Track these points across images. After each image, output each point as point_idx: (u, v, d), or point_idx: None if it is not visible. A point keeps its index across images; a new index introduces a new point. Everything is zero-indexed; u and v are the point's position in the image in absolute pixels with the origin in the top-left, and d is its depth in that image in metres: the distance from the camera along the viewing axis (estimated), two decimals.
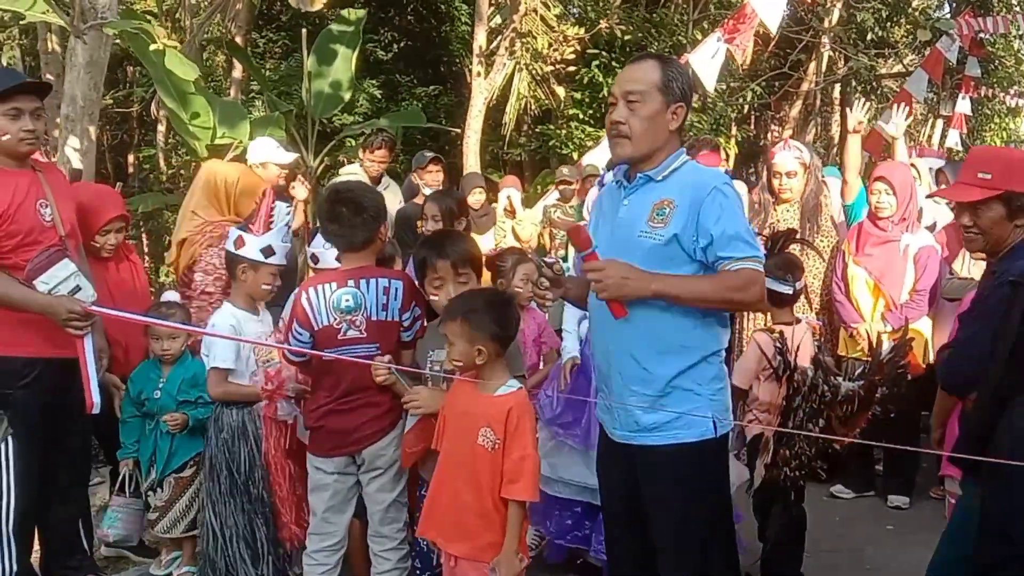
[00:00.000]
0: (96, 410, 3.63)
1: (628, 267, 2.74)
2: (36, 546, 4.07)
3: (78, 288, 3.56)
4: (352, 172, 6.89)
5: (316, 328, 3.38)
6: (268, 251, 3.76)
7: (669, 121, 2.89)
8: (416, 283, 3.53)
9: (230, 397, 3.76)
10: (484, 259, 3.83)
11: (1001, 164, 3.09)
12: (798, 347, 3.81)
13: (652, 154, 2.89)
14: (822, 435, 3.62)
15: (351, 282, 3.38)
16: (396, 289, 3.42)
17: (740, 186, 7.98)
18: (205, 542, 3.85)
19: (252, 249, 3.75)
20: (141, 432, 4.13)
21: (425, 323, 3.52)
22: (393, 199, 6.95)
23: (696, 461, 2.85)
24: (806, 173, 5.47)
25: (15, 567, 3.75)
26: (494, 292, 3.41)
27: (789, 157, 5.46)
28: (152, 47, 5.98)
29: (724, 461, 3.02)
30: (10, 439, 3.64)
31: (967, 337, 3.04)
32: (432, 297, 3.48)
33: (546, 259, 3.17)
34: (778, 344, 3.70)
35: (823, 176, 5.86)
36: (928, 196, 5.72)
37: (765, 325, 4.04)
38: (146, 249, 13.54)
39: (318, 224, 3.62)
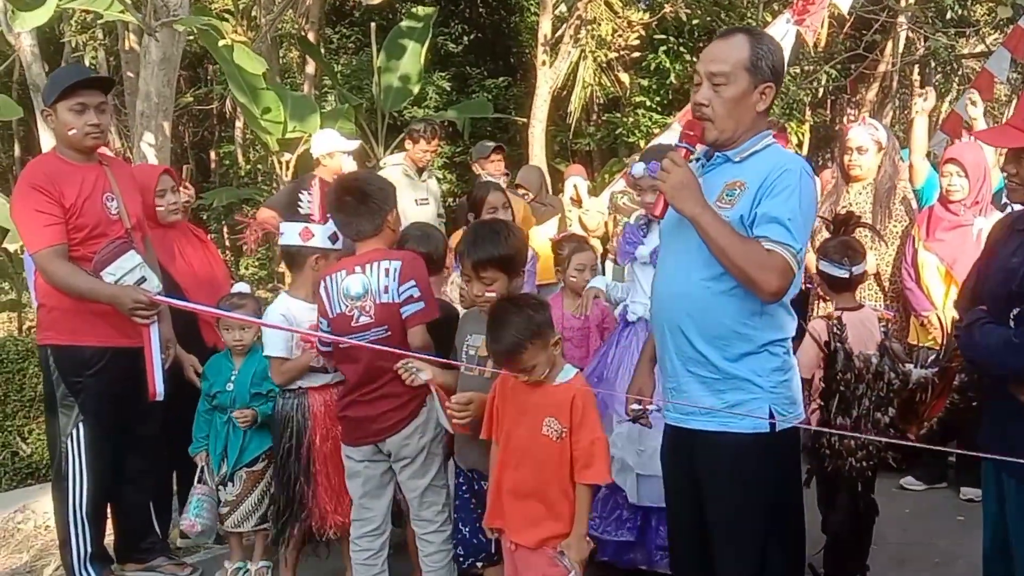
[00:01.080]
0: (160, 398, 3.76)
1: (693, 180, 2.64)
2: (110, 529, 4.23)
3: (143, 279, 3.69)
4: (396, 163, 6.93)
5: (331, 316, 3.43)
6: (334, 237, 3.81)
7: (756, 102, 2.73)
8: (421, 261, 3.50)
9: (291, 376, 3.79)
10: (551, 244, 3.76)
11: None
12: (869, 333, 3.71)
13: (736, 136, 2.75)
14: (860, 435, 3.47)
15: (358, 268, 3.42)
16: (394, 269, 3.40)
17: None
18: None
19: (321, 238, 3.79)
20: (211, 426, 4.17)
21: (426, 304, 3.45)
22: (434, 191, 7.08)
23: (747, 454, 2.71)
24: (879, 153, 5.28)
25: (90, 549, 3.93)
26: (528, 299, 3.22)
27: (863, 132, 5.29)
28: (221, 43, 6.11)
29: (784, 457, 2.83)
30: (81, 425, 3.80)
31: None
32: (462, 287, 3.49)
33: (634, 410, 3.19)
34: (836, 330, 3.60)
35: (900, 159, 5.66)
36: (968, 132, 5.50)
37: (822, 314, 3.95)
38: (226, 243, 13.89)
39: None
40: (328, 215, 3.65)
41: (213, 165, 18.09)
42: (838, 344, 3.51)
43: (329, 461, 3.77)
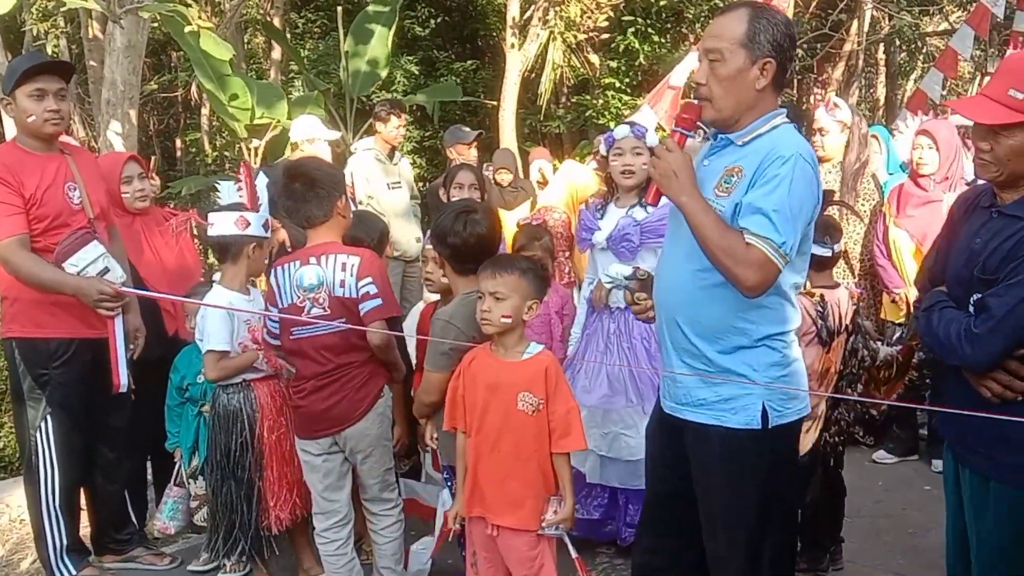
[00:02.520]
0: (124, 390, 3.73)
1: (684, 167, 2.56)
2: (86, 521, 4.19)
3: (107, 270, 3.63)
4: (368, 147, 6.88)
5: (282, 307, 3.40)
6: (267, 225, 3.78)
7: (755, 79, 2.57)
8: (379, 259, 3.50)
9: (230, 373, 3.72)
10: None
11: None
12: (846, 311, 3.74)
13: (739, 116, 2.62)
14: (875, 399, 3.47)
15: (312, 259, 3.38)
16: (352, 265, 3.37)
17: None
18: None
19: (256, 226, 3.72)
20: (183, 419, 4.13)
21: (384, 301, 3.42)
22: (406, 174, 7.01)
23: (738, 449, 2.64)
24: (843, 132, 5.28)
25: (65, 541, 3.90)
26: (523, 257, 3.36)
27: (824, 114, 5.31)
28: (187, 29, 6.03)
29: (780, 452, 2.72)
30: (49, 418, 3.75)
31: (1010, 305, 2.43)
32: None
33: (627, 275, 3.09)
34: (819, 308, 3.62)
35: (869, 135, 5.64)
36: (941, 104, 5.51)
37: (804, 289, 3.96)
38: (195, 231, 13.75)
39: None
40: (278, 203, 3.57)
41: (179, 153, 17.93)
42: (821, 322, 3.54)
43: (275, 453, 3.75)
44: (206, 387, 4.01)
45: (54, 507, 3.85)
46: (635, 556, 3.09)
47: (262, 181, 3.83)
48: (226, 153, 14.61)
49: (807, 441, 3.53)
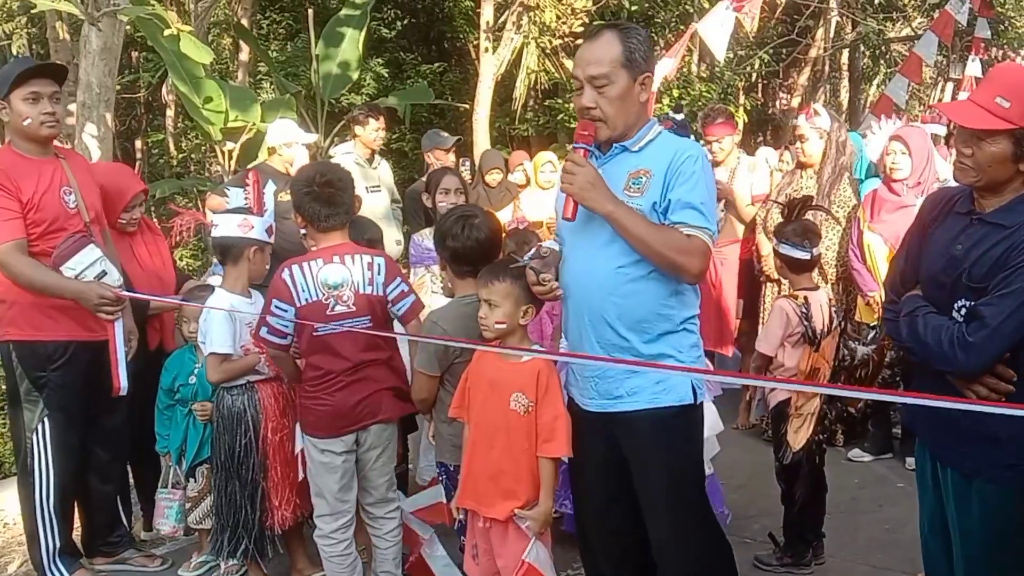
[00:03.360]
0: (124, 392, 3.75)
1: (599, 179, 2.74)
2: (77, 523, 4.19)
3: (104, 273, 3.65)
4: (347, 152, 6.90)
5: (300, 304, 3.43)
6: (271, 230, 3.83)
7: (639, 94, 2.83)
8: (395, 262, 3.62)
9: (231, 376, 3.76)
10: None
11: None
12: (832, 312, 3.85)
13: (628, 129, 2.85)
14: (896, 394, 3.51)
15: (336, 258, 3.47)
16: (379, 264, 3.52)
17: (767, 151, 7.98)
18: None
19: (259, 230, 3.78)
20: (172, 421, 4.13)
21: (416, 297, 3.61)
22: (386, 178, 7.03)
23: (676, 426, 2.86)
24: (822, 139, 5.42)
25: (58, 543, 3.89)
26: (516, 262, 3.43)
27: (804, 121, 5.47)
28: (167, 32, 6.01)
29: (701, 428, 3.03)
30: (47, 420, 3.76)
31: (1005, 314, 2.45)
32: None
33: (528, 254, 3.09)
34: (803, 309, 3.74)
35: (844, 138, 5.75)
36: (931, 106, 5.66)
37: (787, 292, 4.07)
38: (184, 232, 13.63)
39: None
40: (308, 209, 3.55)
41: (140, 155, 17.73)
42: (806, 323, 3.64)
43: (278, 454, 3.79)
44: (197, 388, 4.03)
45: (48, 509, 3.85)
46: (584, 566, 3.26)
47: (270, 188, 3.85)
48: (192, 156, 14.51)
49: (800, 438, 3.64)
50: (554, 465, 3.11)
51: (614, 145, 2.88)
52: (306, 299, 3.44)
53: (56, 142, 4.04)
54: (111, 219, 4.18)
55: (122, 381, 3.72)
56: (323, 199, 3.48)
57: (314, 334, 3.45)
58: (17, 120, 3.67)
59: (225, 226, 3.79)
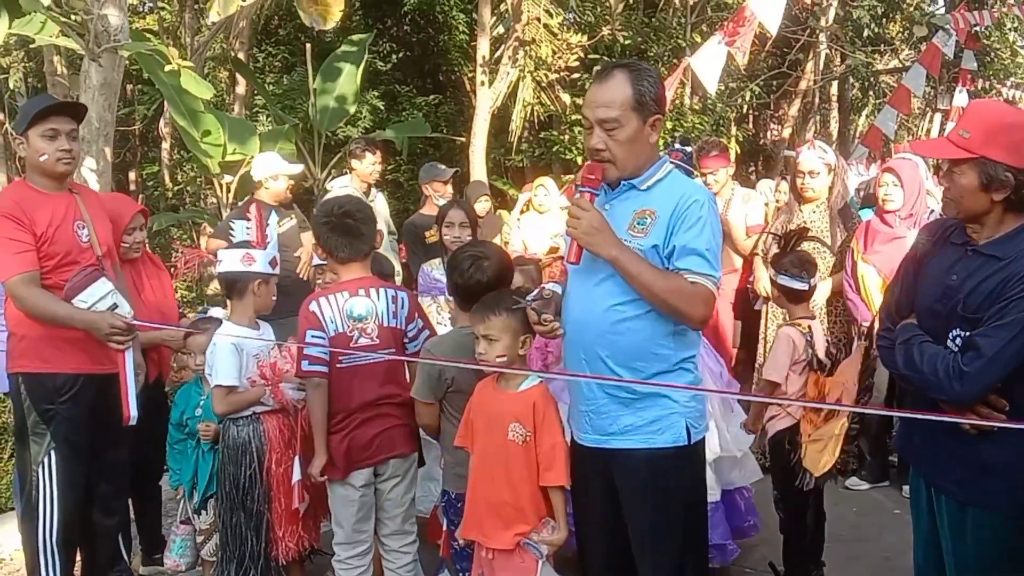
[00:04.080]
0: (134, 422, 3.77)
1: (604, 223, 2.74)
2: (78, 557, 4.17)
3: (115, 306, 3.69)
4: (344, 185, 6.97)
5: (329, 335, 3.51)
6: (274, 262, 3.90)
7: (649, 135, 2.83)
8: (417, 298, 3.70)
9: (237, 407, 3.79)
10: None
11: (984, 125, 2.63)
12: (842, 342, 3.91)
13: (637, 170, 2.85)
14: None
15: (362, 291, 3.55)
16: (403, 299, 3.64)
17: (767, 183, 8.07)
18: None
19: (262, 263, 3.85)
20: (183, 455, 4.17)
21: (431, 331, 3.73)
22: (382, 210, 7.10)
23: (669, 467, 2.83)
24: (831, 174, 5.47)
25: None
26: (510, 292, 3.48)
27: (813, 156, 5.48)
28: (167, 68, 6.09)
29: (698, 468, 2.99)
30: (53, 452, 3.77)
31: (1000, 345, 2.50)
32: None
33: (531, 295, 3.12)
34: (808, 337, 3.81)
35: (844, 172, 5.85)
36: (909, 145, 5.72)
37: (788, 321, 4.13)
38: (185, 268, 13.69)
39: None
40: (328, 239, 3.63)
41: (134, 187, 17.79)
42: (811, 350, 3.70)
43: (282, 485, 3.82)
44: (204, 419, 4.05)
45: (51, 544, 3.83)
46: None
47: (273, 220, 3.91)
48: (188, 188, 14.58)
49: (824, 462, 3.65)
50: (562, 493, 3.15)
51: (622, 183, 2.88)
52: (333, 330, 3.51)
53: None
54: (115, 244, 4.21)
55: (132, 411, 3.74)
56: (341, 230, 3.56)
57: (338, 366, 3.51)
58: (34, 156, 3.72)
59: (229, 261, 3.86)
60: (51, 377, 3.74)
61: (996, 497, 2.62)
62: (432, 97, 15.24)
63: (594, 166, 2.84)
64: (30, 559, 3.90)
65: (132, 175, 18.03)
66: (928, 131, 16.04)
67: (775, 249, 4.22)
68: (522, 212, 7.46)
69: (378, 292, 3.58)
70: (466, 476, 3.31)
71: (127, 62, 7.80)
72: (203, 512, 4.10)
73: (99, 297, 3.64)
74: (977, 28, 11.91)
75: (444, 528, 3.60)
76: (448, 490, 3.56)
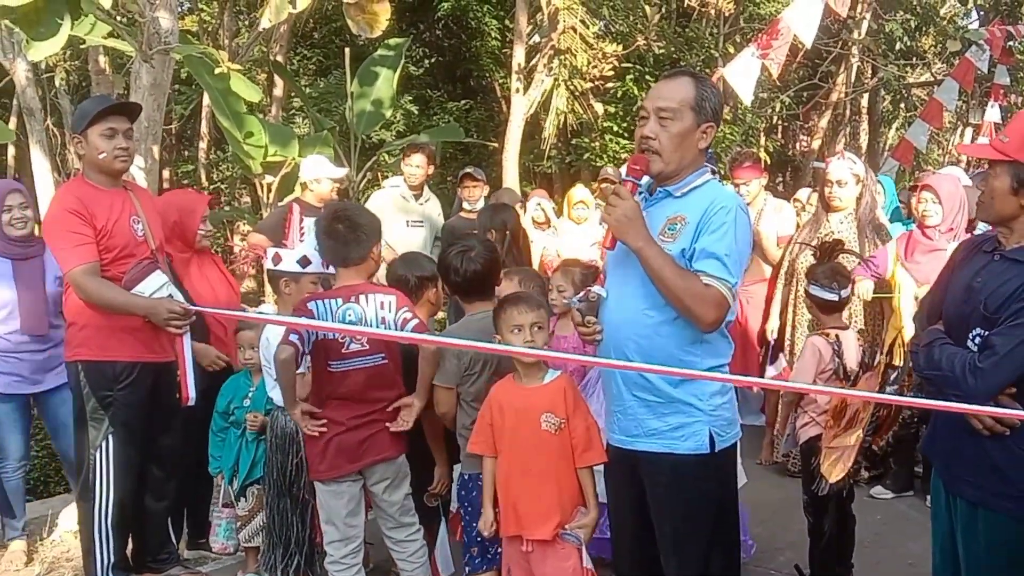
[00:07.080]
0: (192, 403, 3.91)
1: (637, 213, 2.80)
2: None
3: (170, 297, 3.84)
4: (395, 184, 7.11)
5: (319, 338, 3.60)
6: (304, 261, 3.96)
7: (698, 140, 2.89)
8: (406, 297, 3.77)
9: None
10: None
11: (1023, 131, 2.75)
12: (863, 350, 3.98)
13: (679, 171, 2.90)
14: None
15: (353, 298, 3.63)
16: (389, 303, 3.66)
17: (805, 193, 8.12)
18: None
19: (289, 262, 3.95)
20: (225, 443, 4.32)
21: (420, 320, 3.72)
22: (434, 212, 7.21)
23: (690, 475, 2.87)
24: (859, 185, 5.55)
25: (112, 558, 4.04)
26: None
27: (842, 167, 5.56)
28: (216, 71, 6.26)
29: (724, 476, 3.00)
30: (111, 437, 3.93)
31: (1014, 343, 2.61)
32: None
33: (577, 297, 3.18)
34: (835, 347, 3.89)
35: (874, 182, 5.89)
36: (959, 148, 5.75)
37: (819, 330, 4.21)
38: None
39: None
40: (317, 241, 3.77)
41: (167, 184, 18.04)
42: (837, 360, 3.79)
43: None
44: (252, 409, 4.22)
45: (106, 525, 3.99)
46: None
47: (308, 222, 4.06)
48: (223, 186, 14.81)
49: (838, 471, 3.74)
50: (591, 475, 3.28)
51: (659, 189, 2.95)
52: (323, 334, 3.60)
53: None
54: (189, 238, 4.49)
55: (191, 391, 3.87)
56: (331, 235, 3.66)
57: (329, 370, 3.62)
58: (93, 153, 3.89)
59: (267, 259, 4.06)
60: (110, 365, 3.91)
61: (1006, 500, 2.70)
62: (463, 102, 15.41)
63: (639, 157, 2.90)
64: (85, 540, 4.07)
65: (167, 173, 18.29)
66: (959, 144, 16.02)
67: (802, 259, 4.30)
68: (539, 224, 7.48)
69: (367, 298, 3.63)
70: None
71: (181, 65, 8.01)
72: (242, 499, 4.26)
73: (155, 289, 3.79)
74: (1011, 43, 11.89)
75: (458, 510, 3.71)
76: (464, 472, 3.68)
